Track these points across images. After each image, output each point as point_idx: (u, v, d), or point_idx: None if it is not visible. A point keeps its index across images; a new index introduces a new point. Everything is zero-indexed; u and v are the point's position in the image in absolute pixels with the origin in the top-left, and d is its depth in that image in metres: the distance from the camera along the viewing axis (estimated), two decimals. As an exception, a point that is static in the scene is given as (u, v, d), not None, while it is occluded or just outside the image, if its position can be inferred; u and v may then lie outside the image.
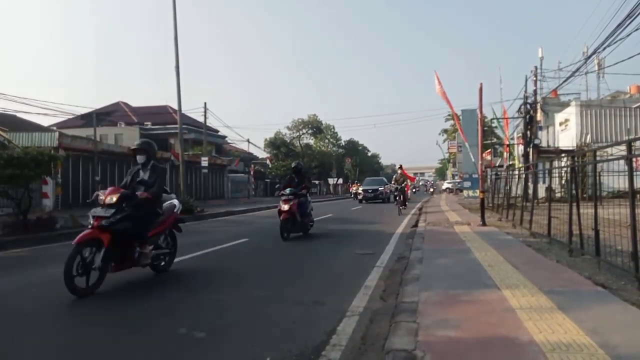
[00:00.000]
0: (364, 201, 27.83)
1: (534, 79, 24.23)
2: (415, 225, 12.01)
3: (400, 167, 20.00)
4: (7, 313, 4.37)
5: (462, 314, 3.63)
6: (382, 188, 27.79)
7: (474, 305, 3.87)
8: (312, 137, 61.45)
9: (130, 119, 38.66)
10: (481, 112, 12.17)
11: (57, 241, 9.68)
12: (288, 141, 55.70)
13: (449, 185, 50.95)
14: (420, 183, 77.63)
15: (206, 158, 27.04)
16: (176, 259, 7.07)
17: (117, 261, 5.32)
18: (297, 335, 3.57)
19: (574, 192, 6.44)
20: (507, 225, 10.77)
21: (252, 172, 41.97)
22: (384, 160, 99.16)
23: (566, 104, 28.46)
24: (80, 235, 4.88)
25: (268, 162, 51.44)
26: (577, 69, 19.12)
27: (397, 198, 17.86)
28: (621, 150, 4.90)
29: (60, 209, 17.95)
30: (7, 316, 4.26)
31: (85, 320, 4.13)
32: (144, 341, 3.55)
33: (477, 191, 16.11)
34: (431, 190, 48.65)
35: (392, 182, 20.27)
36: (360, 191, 28.80)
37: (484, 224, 10.77)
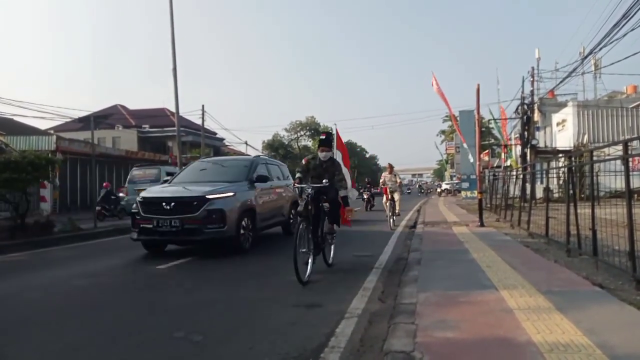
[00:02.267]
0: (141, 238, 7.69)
1: (531, 79, 24.33)
2: (414, 227, 12.03)
3: (327, 136, 6.67)
4: (3, 316, 4.35)
5: (460, 315, 3.63)
6: (214, 195, 7.38)
7: (472, 306, 3.87)
8: (310, 139, 61.47)
9: (127, 121, 38.69)
10: (478, 113, 12.21)
11: (56, 245, 9.68)
12: (286, 143, 55.74)
13: (447, 187, 50.71)
14: (418, 186, 77.66)
15: (204, 160, 26.97)
16: (174, 262, 7.07)
17: None
18: (295, 337, 3.57)
19: (571, 192, 6.46)
20: (505, 225, 10.79)
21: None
22: (382, 162, 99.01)
23: (563, 105, 28.53)
24: None
25: (266, 164, 51.39)
26: (574, 70, 19.12)
27: (301, 223, 5.48)
28: (618, 150, 4.91)
29: (58, 212, 17.92)
30: (2, 320, 4.25)
31: (83, 324, 4.11)
32: (140, 344, 3.54)
33: (475, 192, 16.13)
34: (438, 190, 48.34)
35: (297, 175, 6.22)
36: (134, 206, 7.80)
37: (482, 224, 10.79)
